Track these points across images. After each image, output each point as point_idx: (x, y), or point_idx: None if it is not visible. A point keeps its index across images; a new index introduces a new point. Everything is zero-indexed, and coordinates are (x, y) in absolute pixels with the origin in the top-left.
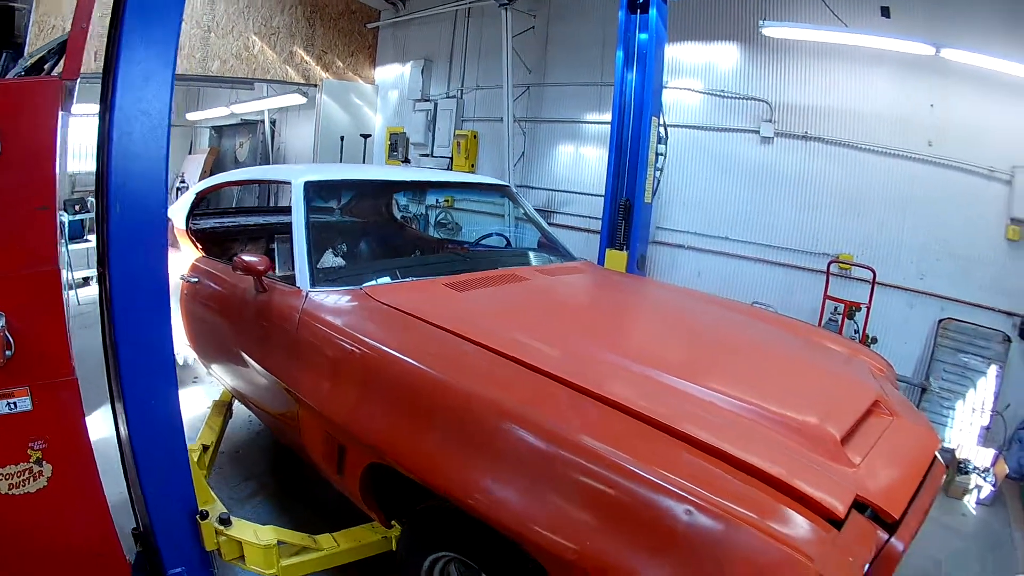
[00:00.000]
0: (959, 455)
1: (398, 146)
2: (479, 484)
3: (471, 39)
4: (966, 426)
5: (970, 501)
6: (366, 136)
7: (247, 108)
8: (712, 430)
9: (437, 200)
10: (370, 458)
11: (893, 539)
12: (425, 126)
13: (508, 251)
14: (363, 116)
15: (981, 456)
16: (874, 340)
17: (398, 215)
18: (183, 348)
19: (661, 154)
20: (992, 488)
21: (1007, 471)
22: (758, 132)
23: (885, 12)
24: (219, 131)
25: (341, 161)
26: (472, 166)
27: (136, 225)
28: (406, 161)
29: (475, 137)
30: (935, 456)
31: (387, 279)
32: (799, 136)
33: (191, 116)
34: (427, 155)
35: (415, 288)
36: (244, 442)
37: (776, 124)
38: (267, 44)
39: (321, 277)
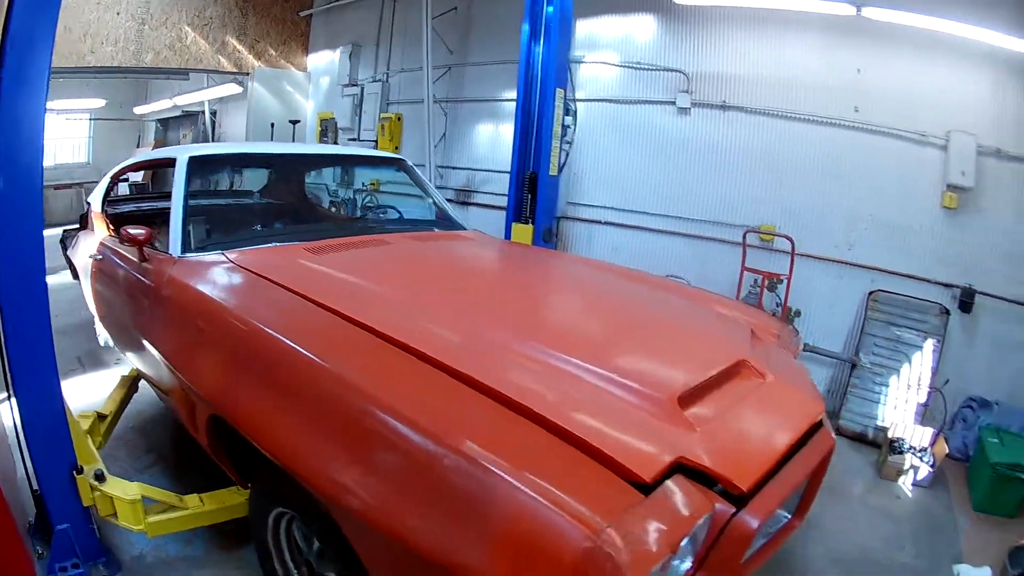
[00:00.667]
0: (893, 434)
1: (328, 131)
2: (286, 437)
3: (397, 22)
4: (901, 403)
5: (905, 482)
6: (295, 122)
7: (188, 100)
8: (523, 386)
9: (363, 184)
10: (209, 410)
11: (743, 513)
12: (352, 110)
13: (393, 221)
14: (295, 103)
15: (918, 435)
16: (797, 313)
17: (326, 201)
18: (101, 328)
19: (569, 126)
20: (930, 469)
21: (947, 451)
22: (675, 103)
23: None
24: (165, 124)
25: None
26: (396, 148)
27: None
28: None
29: (399, 119)
30: (820, 425)
31: (252, 245)
32: (717, 106)
33: (138, 110)
34: (354, 139)
35: (274, 252)
36: (152, 418)
37: (693, 95)
38: (200, 35)
39: (192, 244)
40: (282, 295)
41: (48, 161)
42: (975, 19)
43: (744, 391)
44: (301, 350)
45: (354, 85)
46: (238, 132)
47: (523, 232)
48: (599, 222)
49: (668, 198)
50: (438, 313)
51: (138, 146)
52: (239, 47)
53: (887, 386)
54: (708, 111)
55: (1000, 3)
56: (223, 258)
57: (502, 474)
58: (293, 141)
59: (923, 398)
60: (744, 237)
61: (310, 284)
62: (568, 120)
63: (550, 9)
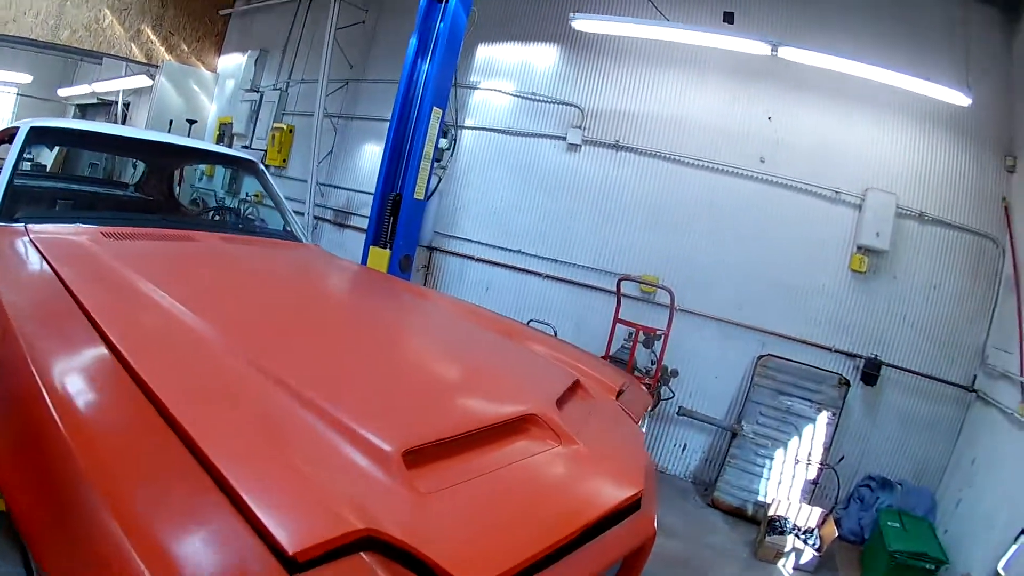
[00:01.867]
0: (775, 511)
1: (224, 136)
2: None
3: (306, 31)
4: (787, 479)
5: (786, 566)
6: (191, 121)
7: (105, 87)
8: (210, 416)
9: (247, 193)
10: None
11: None
12: (248, 117)
13: (230, 223)
14: (199, 103)
15: (804, 514)
16: (674, 373)
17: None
18: None
19: (445, 149)
20: (815, 553)
21: (837, 533)
22: (565, 139)
23: (728, 18)
24: (83, 110)
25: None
26: (284, 160)
27: None
28: None
29: (291, 131)
30: (635, 508)
31: (59, 222)
32: (609, 145)
33: (62, 92)
34: (247, 147)
35: (74, 231)
36: None
37: (586, 131)
38: (117, 19)
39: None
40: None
41: None
42: (901, 67)
43: (518, 454)
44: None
45: (255, 91)
46: (142, 125)
47: (379, 257)
48: (473, 258)
49: (550, 239)
50: (177, 315)
51: None
52: (153, 37)
53: (771, 459)
54: (600, 150)
55: (931, 51)
56: (21, 229)
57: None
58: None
59: (813, 475)
60: (618, 285)
61: (70, 262)
62: (444, 143)
63: (441, 25)
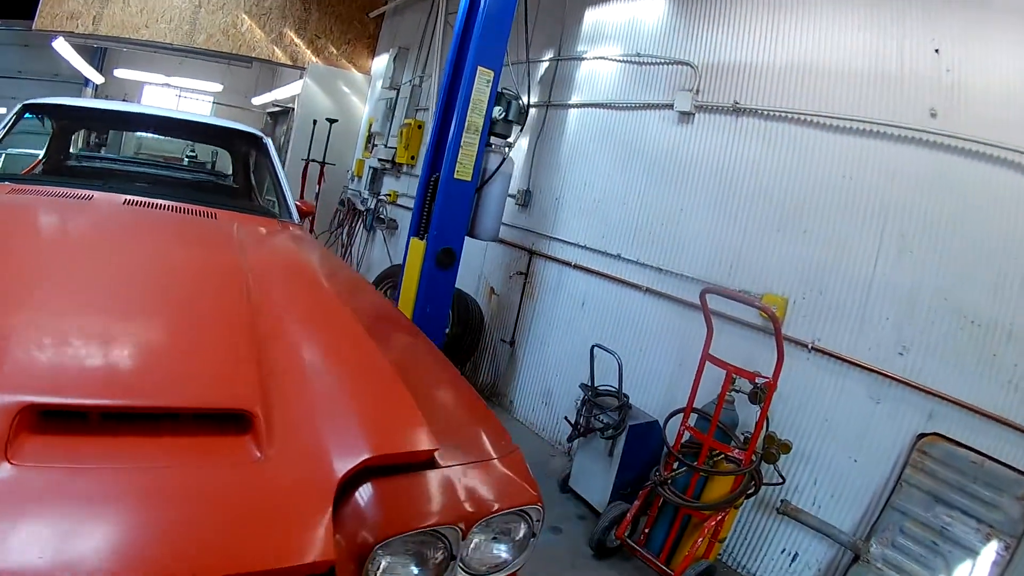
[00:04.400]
0: None
1: (373, 136)
2: None
3: (440, 23)
4: None
5: None
6: (332, 121)
7: (283, 94)
8: None
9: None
10: None
11: None
12: (384, 115)
13: (201, 189)
14: (349, 104)
15: None
16: (784, 448)
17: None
18: None
19: (500, 119)
20: None
21: None
22: (673, 106)
23: None
24: (274, 117)
25: (311, 145)
26: (412, 157)
27: None
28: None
29: (419, 127)
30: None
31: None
32: (727, 109)
33: (255, 100)
34: (385, 145)
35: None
36: None
37: (699, 94)
38: (256, 23)
39: None
40: None
41: None
42: None
43: (185, 456)
44: None
45: (393, 89)
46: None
47: (416, 250)
48: (570, 264)
49: (653, 241)
50: None
51: None
52: (297, 40)
53: None
54: (715, 118)
55: None
56: None
57: None
58: (328, 139)
59: None
60: (703, 300)
61: None
62: (500, 113)
63: None
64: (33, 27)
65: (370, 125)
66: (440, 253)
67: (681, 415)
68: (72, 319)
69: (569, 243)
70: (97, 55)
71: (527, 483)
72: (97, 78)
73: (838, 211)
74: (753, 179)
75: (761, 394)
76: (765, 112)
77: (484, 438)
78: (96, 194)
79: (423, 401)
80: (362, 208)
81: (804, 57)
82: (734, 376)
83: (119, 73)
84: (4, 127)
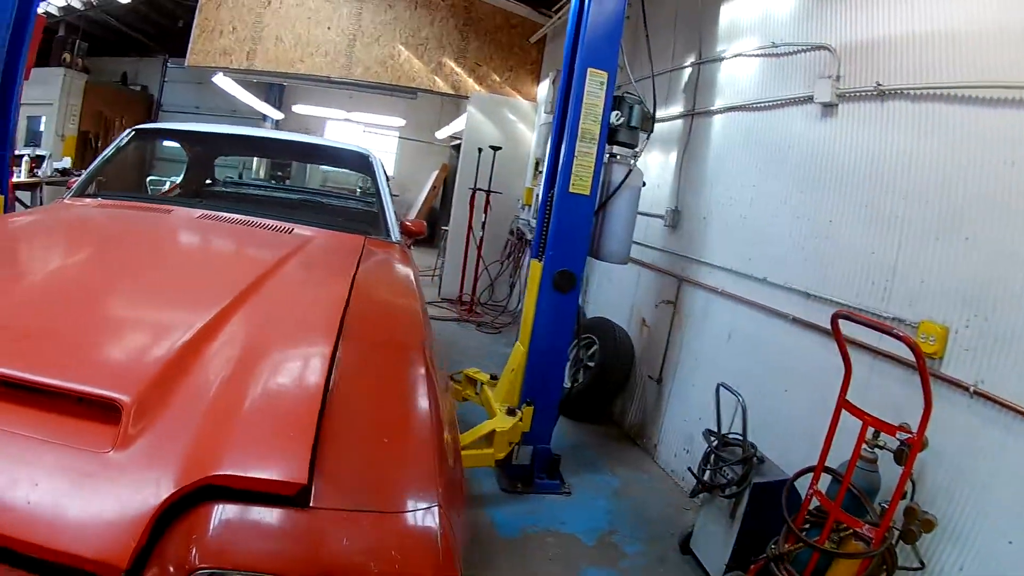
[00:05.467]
0: None
1: (539, 163)
2: None
3: None
4: None
5: None
6: (496, 148)
7: (461, 125)
8: None
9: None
10: None
11: None
12: (544, 139)
13: (290, 206)
14: (516, 132)
15: None
16: (927, 525)
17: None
18: None
19: (620, 125)
20: None
21: None
22: (813, 98)
23: None
24: (457, 149)
25: (477, 173)
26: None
27: None
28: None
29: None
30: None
31: (99, 198)
32: (870, 94)
33: (438, 134)
34: (542, 171)
35: (94, 202)
36: None
37: (840, 80)
38: (414, 54)
39: (78, 191)
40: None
41: None
42: None
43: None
44: None
45: (551, 114)
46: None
47: (535, 272)
48: (716, 291)
49: (800, 260)
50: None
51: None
52: (457, 69)
53: None
54: (860, 107)
55: None
56: (76, 200)
57: None
58: (492, 169)
59: None
60: (834, 325)
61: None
62: (617, 118)
63: None
64: (186, 63)
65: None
66: (557, 275)
67: (811, 475)
68: (59, 303)
69: (716, 267)
70: (274, 91)
71: (429, 550)
72: (275, 114)
73: (1004, 209)
74: (904, 175)
75: (905, 453)
76: (911, 91)
77: (400, 484)
78: (174, 208)
79: (352, 430)
80: (531, 238)
81: (951, 16)
82: (874, 429)
83: (298, 109)
84: (113, 149)
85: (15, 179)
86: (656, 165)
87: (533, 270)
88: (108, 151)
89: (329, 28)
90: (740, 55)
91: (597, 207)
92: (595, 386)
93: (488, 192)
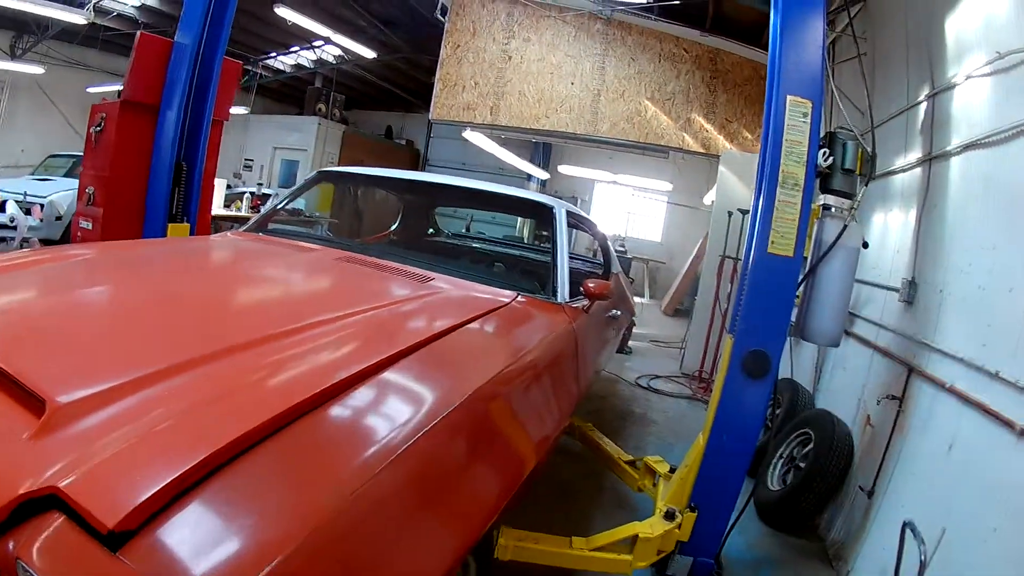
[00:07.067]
0: None
1: None
2: None
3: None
4: None
5: None
6: (745, 212)
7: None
8: None
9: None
10: None
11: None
12: None
13: (444, 253)
14: None
15: None
16: None
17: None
18: None
19: (844, 169)
20: None
21: None
22: None
23: None
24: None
25: (726, 238)
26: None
27: None
28: None
29: None
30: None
31: (263, 232)
32: None
33: (705, 199)
34: None
35: (257, 236)
36: None
37: None
38: (661, 109)
39: (259, 226)
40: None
41: (621, 231)
42: None
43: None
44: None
45: None
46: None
47: (726, 350)
48: (944, 386)
49: None
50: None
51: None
52: (706, 126)
53: None
54: None
55: None
56: (235, 234)
57: None
58: (740, 231)
59: None
60: None
61: (191, 240)
62: (825, 158)
63: None
64: (430, 116)
65: None
66: (747, 356)
67: None
68: (96, 313)
69: (946, 354)
70: (539, 150)
71: None
72: (541, 174)
73: None
74: None
75: None
76: None
77: None
78: (319, 248)
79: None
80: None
81: None
82: None
83: (564, 169)
84: (296, 190)
85: (215, 211)
86: (890, 223)
87: (726, 347)
88: (290, 192)
89: (572, 83)
90: (969, 76)
91: (804, 273)
92: (801, 491)
93: (735, 260)
